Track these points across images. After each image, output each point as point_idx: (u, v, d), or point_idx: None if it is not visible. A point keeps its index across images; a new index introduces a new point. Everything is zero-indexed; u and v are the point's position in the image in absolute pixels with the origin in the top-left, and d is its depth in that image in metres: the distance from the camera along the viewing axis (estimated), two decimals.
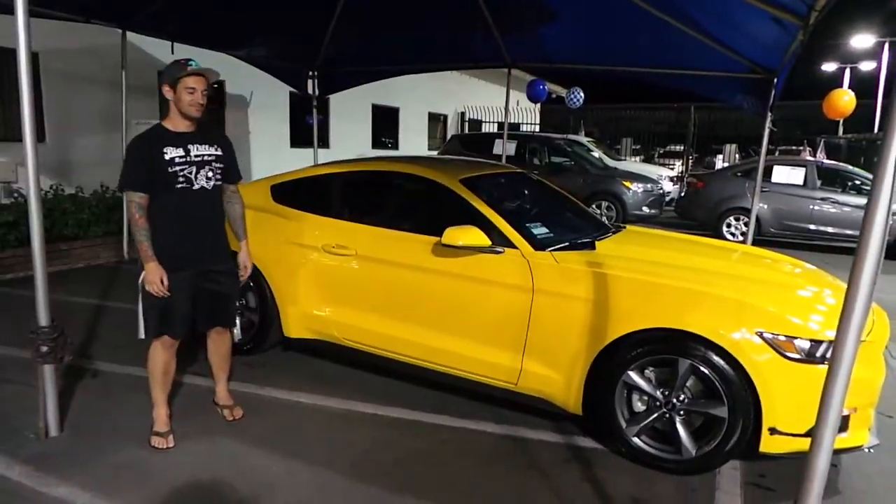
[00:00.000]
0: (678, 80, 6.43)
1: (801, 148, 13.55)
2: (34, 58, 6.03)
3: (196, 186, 2.92)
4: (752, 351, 2.75)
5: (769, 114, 5.62)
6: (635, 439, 3.03)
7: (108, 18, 6.52)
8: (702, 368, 2.83)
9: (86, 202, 7.07)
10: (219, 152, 3.03)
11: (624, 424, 3.04)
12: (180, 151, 2.86)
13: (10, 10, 2.76)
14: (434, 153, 15.98)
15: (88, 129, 8.30)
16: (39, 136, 7.08)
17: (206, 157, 2.96)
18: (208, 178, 2.97)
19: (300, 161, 7.82)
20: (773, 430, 2.73)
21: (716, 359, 2.81)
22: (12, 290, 5.70)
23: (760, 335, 2.76)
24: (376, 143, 15.56)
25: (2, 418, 3.27)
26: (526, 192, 4.44)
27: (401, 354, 3.66)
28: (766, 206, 9.64)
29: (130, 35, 6.88)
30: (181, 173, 2.86)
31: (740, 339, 2.77)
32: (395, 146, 16.35)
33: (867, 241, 1.48)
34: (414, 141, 16.99)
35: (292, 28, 7.25)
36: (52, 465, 2.85)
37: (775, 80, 5.42)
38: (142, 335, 2.95)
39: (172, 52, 7.07)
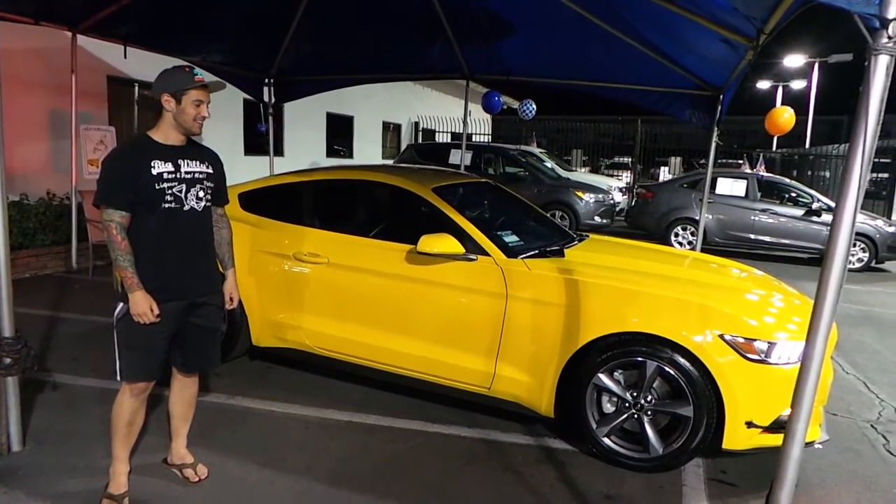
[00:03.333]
0: (630, 95, 6.67)
1: (741, 162, 14.20)
2: None
3: (186, 207, 2.56)
4: (714, 352, 2.91)
5: (716, 128, 5.94)
6: (606, 440, 3.15)
7: (59, 20, 6.31)
8: (668, 370, 2.98)
9: (32, 209, 6.80)
10: (210, 170, 2.67)
11: (594, 426, 3.16)
12: (169, 166, 2.51)
13: None
14: (389, 162, 16.00)
15: (34, 134, 7.98)
16: None
17: (197, 175, 2.60)
18: (199, 199, 2.61)
19: (254, 169, 7.72)
20: (749, 424, 2.89)
21: (681, 361, 2.95)
22: None
23: (721, 337, 2.92)
24: (330, 152, 15.45)
25: None
26: (493, 201, 4.54)
27: (374, 362, 3.68)
28: (710, 217, 10.07)
29: (79, 37, 6.65)
30: (169, 191, 2.50)
31: (703, 342, 2.93)
32: (350, 155, 16.28)
33: (834, 248, 1.62)
34: (368, 150, 16.95)
35: (249, 35, 7.17)
36: (19, 480, 2.75)
37: (721, 96, 5.72)
38: (119, 378, 2.58)
39: (125, 57, 6.92)
